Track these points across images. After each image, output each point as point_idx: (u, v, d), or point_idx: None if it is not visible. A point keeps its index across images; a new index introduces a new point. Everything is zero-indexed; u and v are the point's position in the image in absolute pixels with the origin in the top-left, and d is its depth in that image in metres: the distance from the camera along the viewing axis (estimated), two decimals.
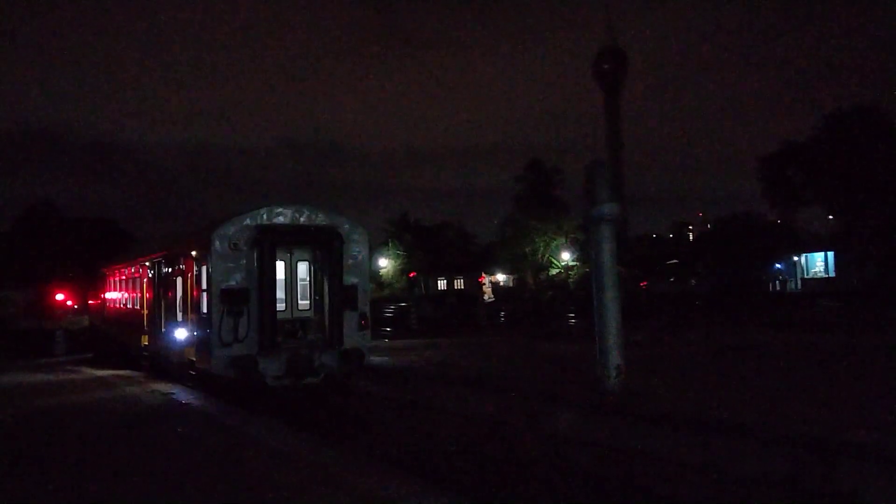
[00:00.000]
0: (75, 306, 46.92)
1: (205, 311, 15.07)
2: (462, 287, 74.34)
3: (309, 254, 15.76)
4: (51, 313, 45.82)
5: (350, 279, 15.56)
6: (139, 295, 22.01)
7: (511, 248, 64.74)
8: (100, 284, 30.68)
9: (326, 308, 15.33)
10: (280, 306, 15.24)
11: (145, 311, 21.06)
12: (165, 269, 18.76)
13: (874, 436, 8.14)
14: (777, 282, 54.90)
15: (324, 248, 15.40)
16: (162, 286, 19.13)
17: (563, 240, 62.85)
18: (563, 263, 63.33)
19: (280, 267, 15.34)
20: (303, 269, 15.88)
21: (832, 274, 50.64)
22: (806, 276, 53.36)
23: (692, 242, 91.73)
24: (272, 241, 14.80)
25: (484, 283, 67.40)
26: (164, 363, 18.80)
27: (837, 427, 8.68)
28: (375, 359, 18.77)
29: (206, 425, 11.68)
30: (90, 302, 36.05)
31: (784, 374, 13.82)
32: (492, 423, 12.19)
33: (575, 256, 62.40)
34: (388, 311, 47.04)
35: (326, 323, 15.27)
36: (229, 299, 14.44)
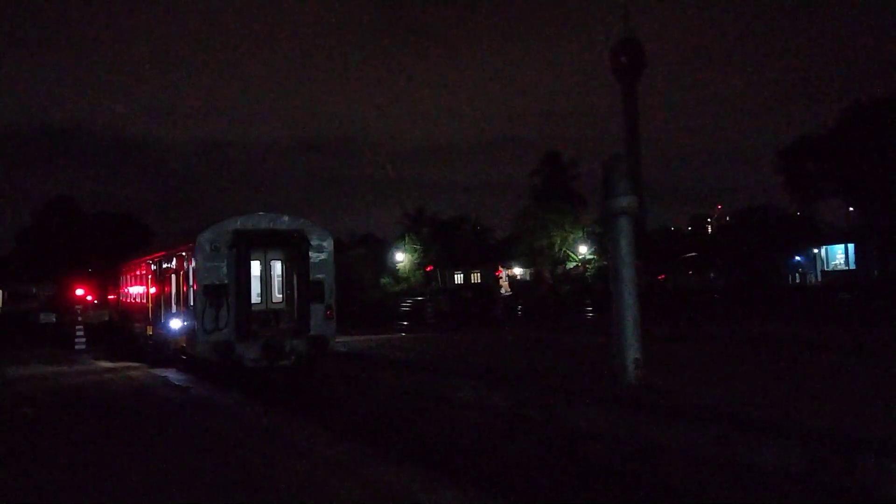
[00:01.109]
0: (95, 301, 47.33)
1: (192, 303, 17.68)
2: (479, 281, 74.18)
3: (281, 253, 18.28)
4: (71, 308, 46.26)
5: (317, 275, 18.01)
6: (146, 290, 24.31)
7: (528, 242, 64.76)
8: (117, 280, 31.06)
9: (296, 301, 17.82)
10: (256, 299, 17.86)
11: (150, 305, 23.35)
12: (165, 267, 21.19)
13: (894, 430, 8.04)
14: (797, 274, 54.49)
15: (292, 249, 17.91)
16: (162, 282, 21.54)
17: (581, 233, 62.63)
18: (580, 257, 63.25)
19: (256, 265, 17.98)
20: (277, 266, 18.50)
21: (853, 266, 50.11)
22: (826, 269, 52.86)
23: (711, 235, 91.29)
24: (247, 244, 17.35)
25: (501, 277, 67.37)
26: (164, 351, 21.17)
27: (857, 421, 8.60)
28: (399, 355, 19.08)
29: (220, 416, 11.80)
30: (109, 297, 36.39)
31: (802, 368, 13.74)
32: (508, 416, 12.21)
33: (592, 250, 62.20)
34: (405, 306, 47.13)
35: (296, 314, 17.79)
36: (211, 293, 16.97)
